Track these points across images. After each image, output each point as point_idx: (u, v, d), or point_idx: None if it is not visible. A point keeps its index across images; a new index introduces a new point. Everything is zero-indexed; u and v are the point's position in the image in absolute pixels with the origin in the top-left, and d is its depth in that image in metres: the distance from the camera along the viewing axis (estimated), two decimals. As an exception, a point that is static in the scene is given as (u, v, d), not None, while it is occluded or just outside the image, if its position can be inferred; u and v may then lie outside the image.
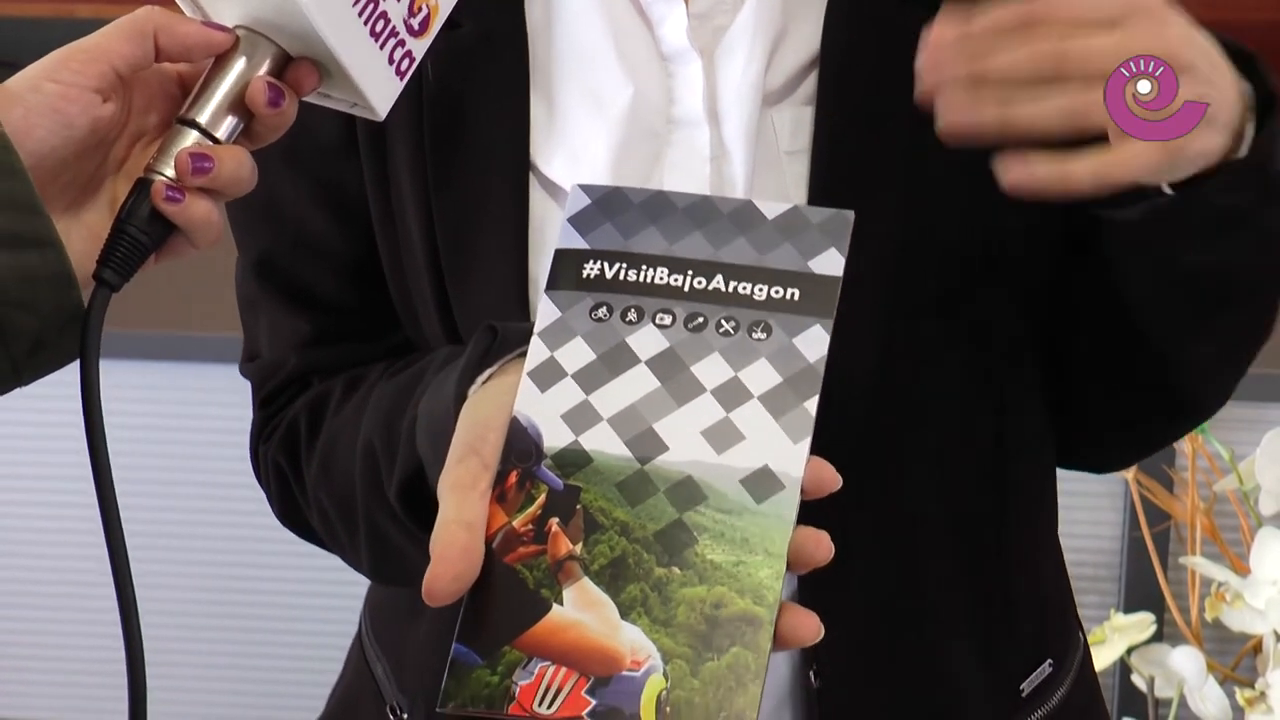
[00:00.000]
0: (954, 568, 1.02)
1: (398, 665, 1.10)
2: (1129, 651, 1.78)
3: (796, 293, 0.80)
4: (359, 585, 1.13)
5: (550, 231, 0.97)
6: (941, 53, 0.81)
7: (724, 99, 0.97)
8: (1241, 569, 1.70)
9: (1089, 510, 2.05)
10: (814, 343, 0.79)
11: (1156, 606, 1.89)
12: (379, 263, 1.03)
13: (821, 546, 0.74)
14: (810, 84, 0.97)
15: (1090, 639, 1.74)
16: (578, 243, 0.82)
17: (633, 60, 0.97)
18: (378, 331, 1.05)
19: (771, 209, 0.82)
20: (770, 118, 0.97)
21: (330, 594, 2.16)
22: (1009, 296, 0.99)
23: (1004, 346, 1.01)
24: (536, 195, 0.98)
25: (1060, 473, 1.11)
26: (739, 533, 0.75)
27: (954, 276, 0.97)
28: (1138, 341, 0.97)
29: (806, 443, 0.76)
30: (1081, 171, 0.81)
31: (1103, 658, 1.76)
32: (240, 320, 1.10)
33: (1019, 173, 0.81)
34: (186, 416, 2.13)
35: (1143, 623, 1.78)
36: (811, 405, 0.77)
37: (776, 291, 0.80)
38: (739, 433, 0.77)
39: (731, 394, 0.78)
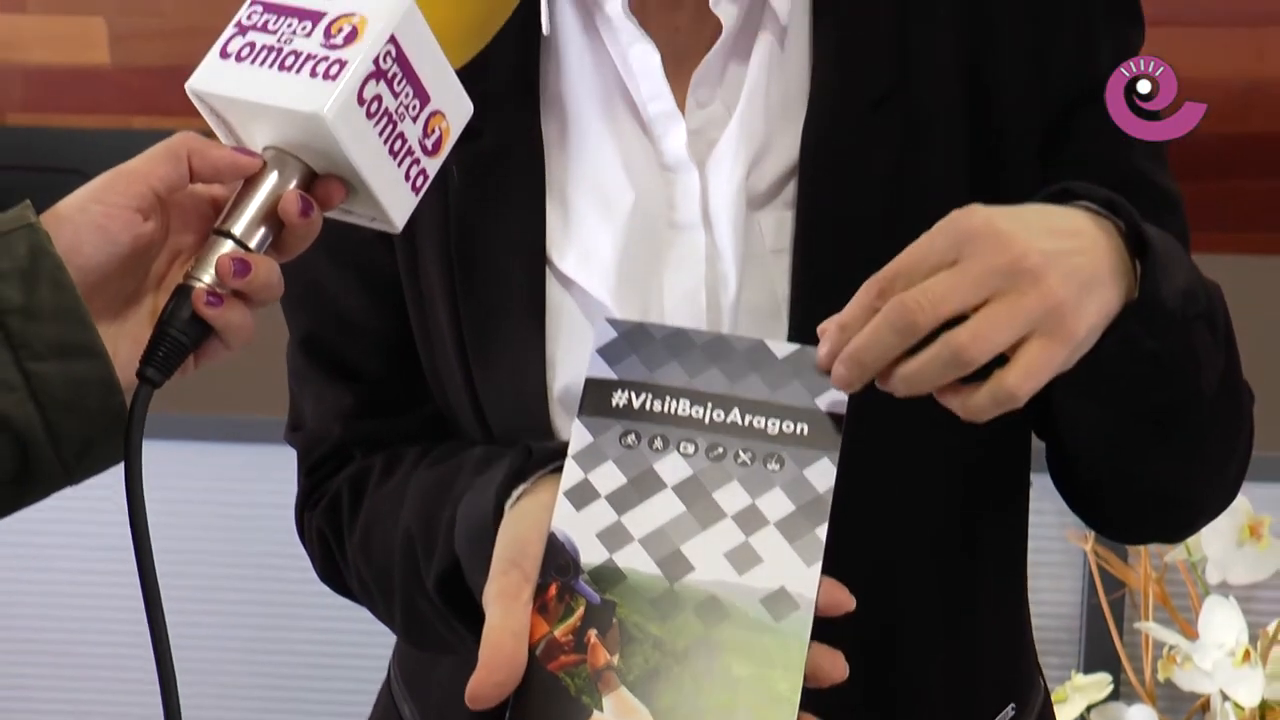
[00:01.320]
0: (929, 615, 1.06)
1: (423, 705, 1.14)
2: (1089, 709, 1.81)
3: (806, 428, 0.84)
4: (386, 638, 1.17)
5: (565, 319, 1.02)
6: (832, 365, 0.84)
7: (715, 205, 1.01)
8: (1191, 634, 1.75)
9: (1050, 579, 2.01)
10: (823, 474, 0.84)
11: (1113, 667, 1.90)
12: (414, 339, 1.07)
13: (837, 666, 0.80)
14: (791, 189, 1.01)
15: (1053, 698, 1.81)
16: (606, 373, 0.87)
17: (637, 169, 1.02)
18: (412, 403, 1.09)
19: (781, 349, 0.87)
20: (757, 220, 1.01)
21: (359, 645, 2.15)
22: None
23: (971, 428, 1.06)
24: (553, 287, 1.02)
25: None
26: (760, 649, 0.79)
27: None
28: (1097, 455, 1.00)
29: (818, 566, 0.81)
30: (981, 402, 0.82)
31: (1064, 715, 1.79)
32: (288, 391, 1.14)
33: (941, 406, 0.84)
34: (222, 491, 2.15)
35: (1101, 682, 1.83)
36: (822, 531, 0.82)
37: (788, 426, 0.85)
38: (758, 556, 0.81)
39: (750, 520, 0.83)
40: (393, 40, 0.81)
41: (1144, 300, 0.86)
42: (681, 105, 1.01)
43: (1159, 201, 1.00)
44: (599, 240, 1.02)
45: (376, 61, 0.81)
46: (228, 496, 2.15)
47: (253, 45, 0.83)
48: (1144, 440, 0.96)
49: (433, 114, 0.84)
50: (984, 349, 0.81)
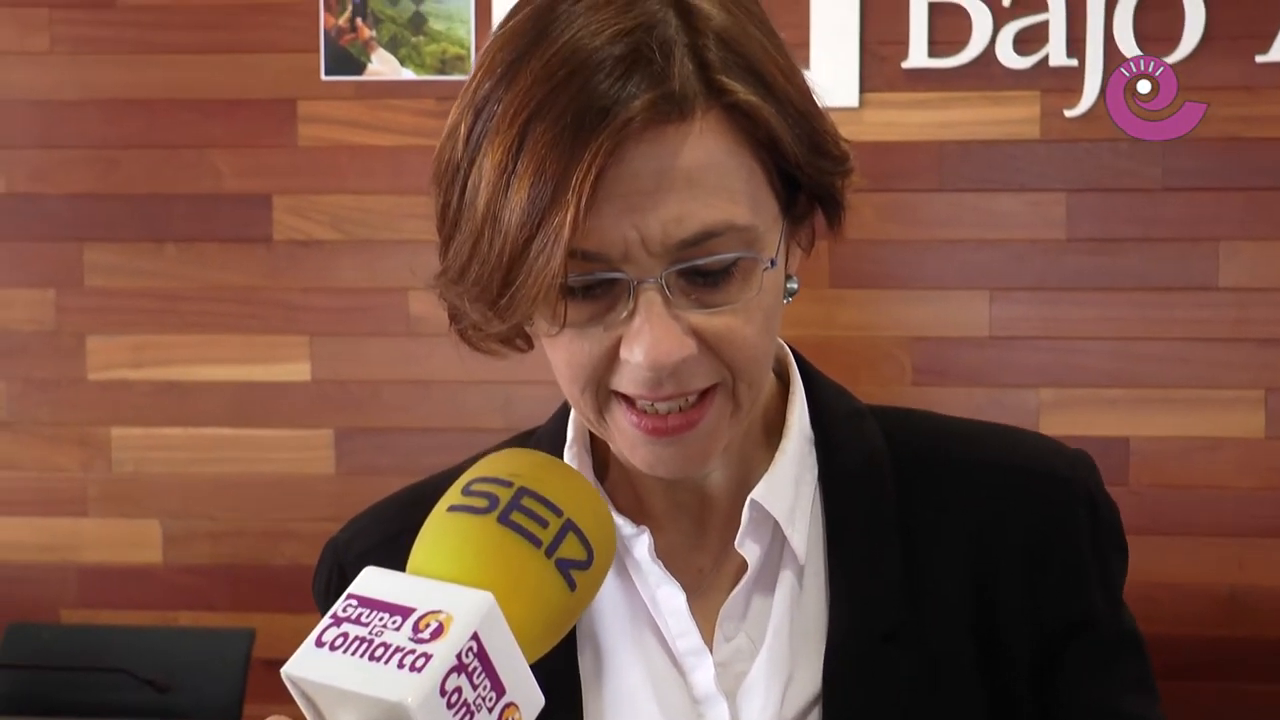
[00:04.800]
0: None
1: None
2: None
3: None
4: None
5: None
6: None
7: None
8: None
9: None
10: None
11: None
12: None
13: None
14: (816, 716, 1.05)
15: None
16: None
17: (669, 702, 1.06)
18: None
19: None
20: None
21: None
22: None
23: None
24: None
25: None
26: None
27: None
28: None
29: None
30: None
31: None
32: None
33: None
34: None
35: None
36: None
37: None
38: None
39: None
40: (475, 637, 0.87)
41: None
42: (708, 636, 1.06)
43: None
44: None
45: (459, 656, 0.86)
46: None
47: (346, 636, 0.89)
48: None
49: (507, 705, 0.88)
50: None
